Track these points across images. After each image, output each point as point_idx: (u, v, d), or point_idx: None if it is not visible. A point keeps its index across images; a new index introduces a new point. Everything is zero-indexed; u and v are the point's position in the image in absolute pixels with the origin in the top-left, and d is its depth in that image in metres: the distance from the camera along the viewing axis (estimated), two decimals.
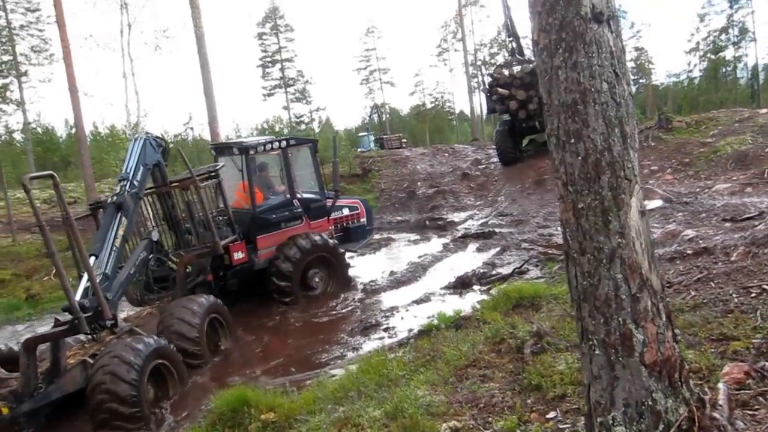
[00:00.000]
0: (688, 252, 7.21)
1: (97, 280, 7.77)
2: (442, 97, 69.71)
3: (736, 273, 5.68)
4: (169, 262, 10.34)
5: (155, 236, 10.03)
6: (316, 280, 11.91)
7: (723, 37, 55.47)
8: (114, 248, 8.66)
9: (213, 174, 11.14)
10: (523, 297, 6.96)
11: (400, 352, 6.44)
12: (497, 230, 15.16)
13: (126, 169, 9.74)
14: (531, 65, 20.47)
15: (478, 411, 4.23)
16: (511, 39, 24.68)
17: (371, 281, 12.35)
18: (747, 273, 5.57)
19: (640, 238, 2.77)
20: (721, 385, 3.42)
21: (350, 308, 10.89)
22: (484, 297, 8.96)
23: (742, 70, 57.06)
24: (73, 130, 23.67)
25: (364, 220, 14.25)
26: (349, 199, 15.07)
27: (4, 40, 32.06)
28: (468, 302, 8.94)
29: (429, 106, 68.95)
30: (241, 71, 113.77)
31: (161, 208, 10.77)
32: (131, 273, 9.14)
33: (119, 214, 8.95)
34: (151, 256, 9.85)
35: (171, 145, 11.09)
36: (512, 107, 21.75)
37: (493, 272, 10.99)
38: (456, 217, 18.98)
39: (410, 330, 8.19)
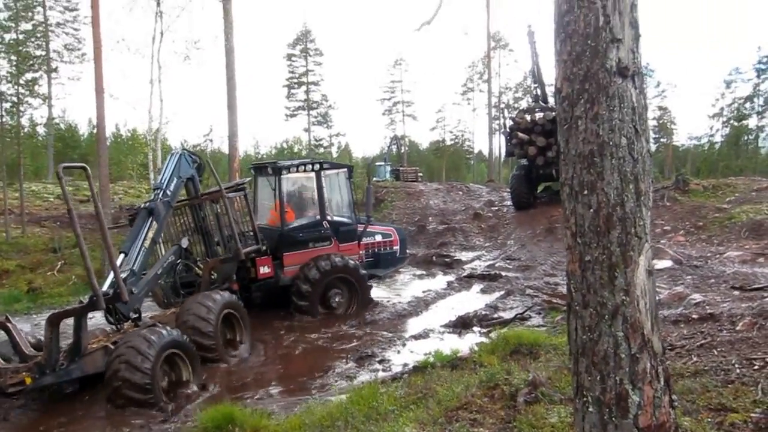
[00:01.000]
0: (694, 316, 7.11)
1: (123, 275, 8.56)
2: (462, 135, 69.97)
3: (740, 343, 5.58)
4: (196, 269, 11.05)
5: (185, 243, 10.78)
6: (337, 300, 12.28)
7: (747, 105, 55.57)
8: (143, 248, 9.48)
9: (240, 187, 11.83)
10: (523, 344, 6.87)
11: (392, 386, 6.36)
12: (503, 273, 15.06)
13: (161, 179, 10.64)
14: (553, 113, 20.55)
15: None
16: (536, 85, 24.85)
17: (371, 312, 12.26)
18: (752, 344, 5.48)
19: (645, 297, 2.73)
20: None
21: (348, 336, 10.79)
22: (483, 339, 8.86)
23: (764, 139, 57.00)
24: (95, 130, 23.91)
25: (397, 248, 14.42)
26: (384, 226, 15.39)
27: (39, 35, 32.68)
28: (466, 343, 8.84)
29: (448, 142, 69.21)
30: (266, 90, 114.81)
31: (193, 219, 11.56)
32: (158, 273, 9.95)
33: (150, 219, 9.78)
34: (179, 262, 10.66)
35: (205, 161, 11.73)
36: (531, 153, 21.80)
37: (495, 315, 10.88)
38: (463, 256, 18.89)
39: (405, 365, 8.09)
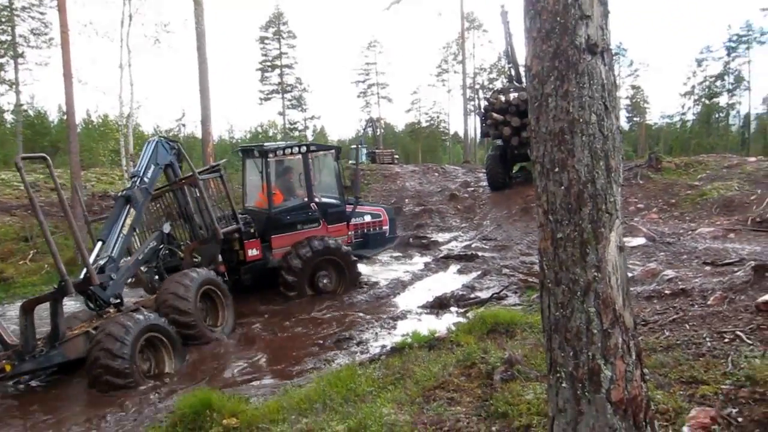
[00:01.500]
0: (666, 292, 7.22)
1: (102, 262, 9.10)
2: (438, 117, 70.07)
3: (711, 317, 5.68)
4: (180, 253, 11.23)
5: (166, 229, 11.04)
6: (324, 281, 12.43)
7: (718, 83, 56.43)
8: (121, 235, 9.72)
9: (215, 169, 12.12)
10: (499, 323, 6.92)
11: (370, 367, 6.37)
12: (480, 254, 15.13)
13: (138, 166, 10.87)
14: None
15: None
16: (510, 66, 24.86)
17: (349, 294, 12.27)
18: (722, 318, 5.57)
19: (617, 273, 2.75)
20: (686, 429, 3.41)
21: (326, 320, 10.79)
22: (461, 319, 8.93)
23: (734, 117, 58.04)
24: (65, 116, 23.51)
25: (386, 228, 14.63)
26: (373, 206, 15.44)
27: (3, 20, 31.90)
28: (444, 323, 8.89)
29: (424, 124, 69.25)
30: (239, 74, 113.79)
31: (175, 204, 11.76)
32: (139, 259, 10.25)
33: (128, 206, 10.02)
34: (161, 247, 10.87)
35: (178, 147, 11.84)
36: (506, 133, 21.85)
37: (472, 295, 10.95)
38: (440, 237, 18.95)
39: (383, 346, 8.11)
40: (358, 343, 9.02)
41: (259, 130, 61.53)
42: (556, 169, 2.75)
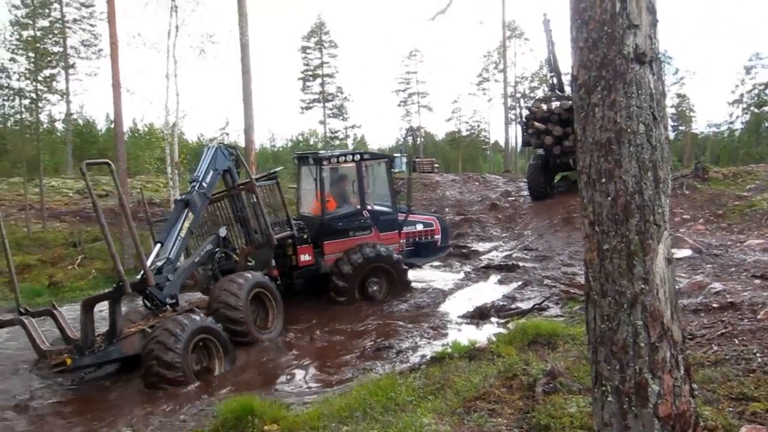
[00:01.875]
0: (714, 305, 7.05)
1: (160, 264, 9.56)
2: (478, 126, 69.67)
3: (761, 332, 5.52)
4: (235, 256, 11.45)
5: (223, 233, 11.34)
6: (374, 288, 12.54)
7: None
8: (179, 238, 10.13)
9: (272, 176, 12.40)
10: (540, 334, 6.84)
11: (410, 377, 6.37)
12: (521, 264, 14.99)
13: (198, 171, 11.25)
14: (570, 102, 20.37)
15: None
16: (552, 74, 24.64)
17: (389, 303, 12.27)
18: None
19: (665, 286, 2.70)
20: None
21: (367, 328, 10.81)
22: (501, 330, 8.84)
23: None
24: (113, 125, 24.12)
25: (438, 237, 14.67)
26: (426, 215, 15.59)
27: (56, 32, 32.94)
28: (484, 333, 8.81)
29: (464, 133, 68.95)
30: (281, 83, 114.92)
31: (231, 209, 12.09)
32: (195, 261, 10.68)
33: (186, 210, 10.42)
34: (217, 250, 11.20)
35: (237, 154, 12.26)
36: (547, 142, 21.64)
37: (513, 306, 10.85)
38: (480, 246, 18.83)
39: (423, 356, 8.09)
40: (398, 353, 9.01)
41: (300, 138, 62.18)
42: (603, 180, 2.72)
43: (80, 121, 50.23)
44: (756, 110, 54.86)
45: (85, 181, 8.46)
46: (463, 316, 10.71)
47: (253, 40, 21.12)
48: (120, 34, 18.18)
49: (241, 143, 23.93)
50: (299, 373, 8.88)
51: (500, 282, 13.62)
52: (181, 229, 10.23)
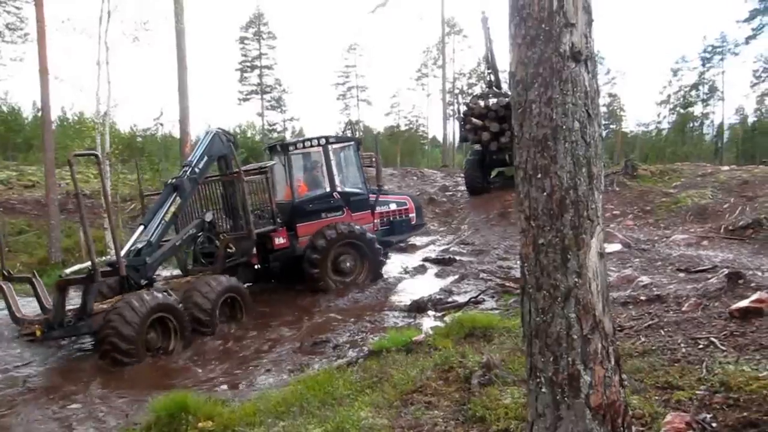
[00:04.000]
0: (642, 298, 7.29)
1: (140, 246, 9.97)
2: (417, 120, 70.16)
3: (686, 323, 5.75)
4: (217, 242, 11.67)
5: (208, 217, 11.61)
6: (347, 264, 12.88)
7: (693, 93, 57.35)
8: (163, 222, 10.45)
9: (263, 170, 12.62)
10: (477, 327, 6.93)
11: (347, 371, 6.35)
12: (458, 258, 15.19)
13: (192, 156, 11.62)
14: (507, 99, 20.73)
15: None
16: (490, 71, 25.00)
17: (326, 298, 12.23)
18: (696, 324, 5.65)
19: (597, 279, 2.77)
20: None
21: (304, 323, 10.74)
22: (438, 323, 8.92)
23: (708, 126, 59.00)
24: (40, 113, 23.13)
25: (412, 215, 15.12)
26: (399, 195, 16.07)
27: None
28: (421, 327, 8.88)
29: (403, 128, 69.27)
30: (218, 73, 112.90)
31: (222, 195, 12.42)
32: (176, 245, 10.91)
33: (175, 194, 10.73)
34: (200, 234, 11.46)
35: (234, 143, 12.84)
36: (484, 138, 21.98)
37: (450, 299, 10.96)
38: (418, 240, 18.97)
39: (361, 350, 8.09)
40: (336, 347, 8.98)
41: (238, 130, 61.12)
42: (539, 175, 2.77)
43: (4, 108, 47.98)
44: (682, 111, 57.26)
45: (72, 173, 8.81)
46: (401, 310, 10.76)
47: (189, 28, 20.65)
48: (48, 17, 17.42)
49: (176, 134, 23.38)
50: (234, 369, 8.75)
51: (437, 276, 13.75)
52: (166, 212, 10.49)
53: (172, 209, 10.62)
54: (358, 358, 7.09)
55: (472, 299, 10.61)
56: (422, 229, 16.17)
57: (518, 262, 3.05)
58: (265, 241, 12.48)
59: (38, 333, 8.75)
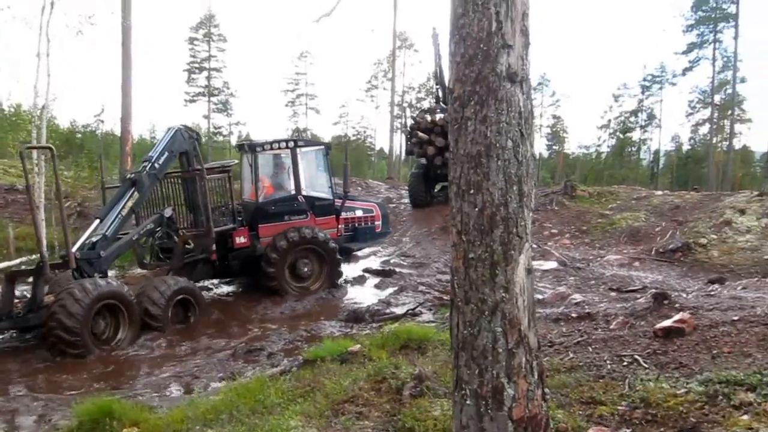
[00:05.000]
0: (573, 315, 7.48)
1: (95, 239, 9.96)
2: (365, 131, 70.37)
3: (613, 341, 5.92)
4: (176, 237, 11.63)
5: (167, 213, 11.55)
6: (305, 270, 12.84)
7: (633, 119, 59.38)
8: (119, 216, 10.45)
9: (225, 169, 12.80)
10: (412, 339, 6.97)
11: (280, 379, 6.29)
12: (398, 270, 15.24)
13: (153, 151, 11.65)
14: None
15: None
16: (438, 87, 25.31)
17: (264, 306, 12.10)
18: (623, 342, 5.82)
19: (524, 295, 2.84)
20: None
21: (239, 330, 10.60)
22: (375, 334, 8.94)
23: (645, 152, 61.11)
24: None
25: (378, 223, 15.02)
26: (366, 202, 15.99)
27: None
28: (357, 337, 8.88)
29: (351, 138, 69.34)
30: (165, 73, 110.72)
31: (183, 191, 12.30)
32: (133, 239, 10.91)
33: (133, 189, 10.72)
34: (158, 229, 11.41)
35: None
36: (429, 152, 22.21)
37: (387, 311, 10.99)
38: (359, 251, 18.96)
39: (295, 359, 8.03)
40: (270, 355, 8.90)
41: None
42: (472, 191, 2.82)
43: None
44: (621, 136, 59.15)
45: (23, 164, 9.21)
46: (338, 320, 10.74)
47: (137, 25, 20.24)
48: None
49: (117, 132, 22.84)
50: (164, 374, 8.56)
51: (377, 287, 13.77)
52: (123, 207, 10.48)
53: (130, 204, 10.61)
54: (291, 366, 7.05)
55: (410, 311, 10.66)
56: (387, 237, 16.19)
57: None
58: (226, 239, 12.45)
59: None
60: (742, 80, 50.42)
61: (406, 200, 24.61)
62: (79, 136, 33.21)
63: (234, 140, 59.32)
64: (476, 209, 2.80)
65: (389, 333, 7.50)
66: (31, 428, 6.56)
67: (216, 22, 57.99)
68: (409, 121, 24.30)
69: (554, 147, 63.95)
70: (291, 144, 13.37)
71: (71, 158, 27.01)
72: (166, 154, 11.51)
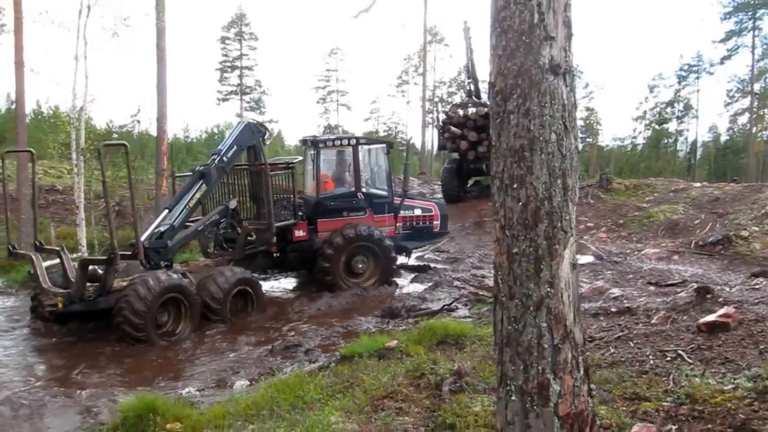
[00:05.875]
0: (612, 310, 7.38)
1: (163, 229, 10.52)
2: (396, 127, 70.18)
3: (654, 336, 5.83)
4: (239, 229, 12.10)
5: (232, 204, 12.06)
6: (360, 266, 13.00)
7: (669, 110, 58.23)
8: (187, 207, 10.99)
9: (290, 166, 13.08)
10: (449, 334, 6.96)
11: (319, 375, 6.33)
12: (432, 265, 15.24)
13: (222, 145, 12.08)
14: (486, 109, 20.88)
15: None
16: (470, 81, 25.18)
17: (300, 303, 12.18)
18: (665, 337, 5.73)
19: (569, 290, 2.80)
20: None
21: (277, 327, 10.68)
22: (411, 330, 8.93)
23: (682, 143, 59.89)
24: (13, 105, 22.74)
25: (436, 222, 15.02)
26: (426, 201, 16.10)
27: None
28: (394, 333, 8.88)
29: (382, 134, 69.25)
30: (198, 73, 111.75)
31: (248, 183, 12.74)
32: (199, 229, 11.45)
33: (201, 182, 11.24)
34: (223, 220, 11.91)
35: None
36: (462, 147, 22.12)
37: (423, 306, 10.98)
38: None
39: (333, 355, 8.06)
40: (307, 351, 8.94)
41: (216, 131, 60.66)
42: (515, 185, 2.79)
43: None
44: (657, 127, 58.08)
45: (101, 162, 9.74)
46: (374, 315, 10.76)
47: (170, 26, 20.50)
48: (25, 9, 17.16)
49: (153, 132, 23.17)
50: (206, 371, 8.67)
51: (411, 282, 13.78)
52: (191, 198, 11.05)
53: (198, 195, 11.22)
54: (329, 362, 7.08)
55: (446, 307, 10.65)
56: (444, 237, 16.19)
57: (492, 271, 3.07)
58: (285, 232, 12.71)
59: (60, 305, 9.33)
60: None
61: (439, 195, 24.55)
62: (116, 136, 33.70)
63: (267, 139, 59.71)
64: (520, 204, 2.77)
65: (425, 328, 7.49)
66: (75, 423, 6.70)
67: (247, 21, 58.44)
68: (441, 116, 24.21)
69: (588, 140, 63.08)
70: (353, 141, 13.63)
71: (108, 158, 27.45)
72: (235, 147, 11.93)
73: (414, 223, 14.64)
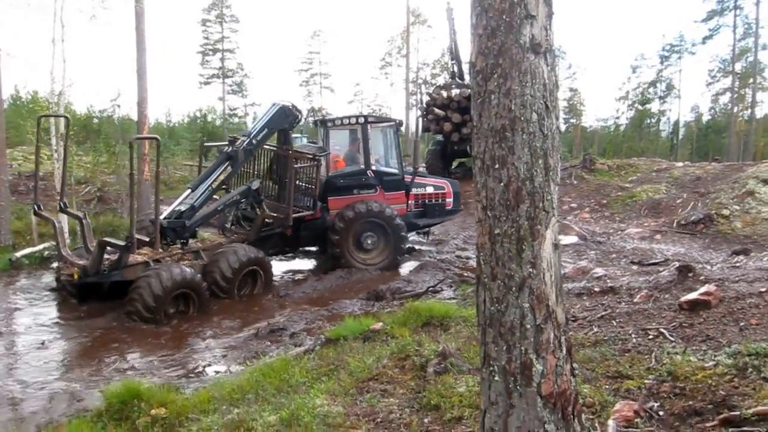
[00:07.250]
0: (596, 289, 7.43)
1: (183, 208, 10.86)
2: (380, 109, 69.91)
3: (637, 314, 5.88)
4: (259, 210, 12.20)
5: (255, 185, 12.08)
6: (369, 242, 13.19)
7: (651, 90, 58.48)
8: (210, 188, 11.32)
9: (318, 157, 13.08)
10: (434, 316, 6.99)
11: (304, 358, 6.34)
12: (417, 247, 15.27)
13: (253, 127, 12.50)
14: (469, 90, 20.84)
15: (374, 425, 4.20)
16: (453, 62, 25.11)
17: (286, 286, 12.15)
18: (647, 315, 5.78)
19: (551, 270, 2.80)
20: (611, 422, 3.52)
21: (261, 310, 10.66)
22: (396, 312, 8.95)
23: (664, 123, 60.22)
24: None
25: (450, 200, 15.00)
26: (438, 179, 16.00)
27: None
28: (379, 315, 8.89)
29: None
30: (179, 56, 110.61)
31: (273, 164, 13.14)
32: (218, 209, 11.82)
33: (227, 163, 11.52)
34: (244, 200, 12.16)
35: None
36: (446, 129, 22.09)
37: (408, 288, 11.01)
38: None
39: (317, 338, 8.06)
40: (292, 335, 8.93)
41: (198, 114, 60.12)
42: (496, 166, 2.78)
43: None
44: (640, 107, 58.35)
45: (131, 154, 9.71)
46: (359, 298, 10.76)
47: (150, 8, 20.19)
48: None
49: (134, 116, 22.91)
50: (188, 356, 8.63)
51: (396, 264, 13.78)
52: (215, 180, 11.31)
53: (221, 177, 11.43)
54: (314, 345, 7.09)
55: (430, 288, 10.69)
56: (457, 214, 16.21)
57: (476, 252, 3.07)
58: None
59: (76, 276, 9.66)
60: (764, 47, 49.05)
61: None
62: (96, 121, 33.33)
63: (249, 122, 59.31)
64: (501, 184, 2.76)
65: (410, 310, 7.51)
66: (61, 411, 6.65)
67: (228, 3, 57.64)
68: (425, 98, 24.16)
69: (571, 120, 63.24)
70: (362, 120, 13.75)
71: (89, 143, 27.16)
72: (266, 130, 12.18)
73: (426, 201, 14.72)
